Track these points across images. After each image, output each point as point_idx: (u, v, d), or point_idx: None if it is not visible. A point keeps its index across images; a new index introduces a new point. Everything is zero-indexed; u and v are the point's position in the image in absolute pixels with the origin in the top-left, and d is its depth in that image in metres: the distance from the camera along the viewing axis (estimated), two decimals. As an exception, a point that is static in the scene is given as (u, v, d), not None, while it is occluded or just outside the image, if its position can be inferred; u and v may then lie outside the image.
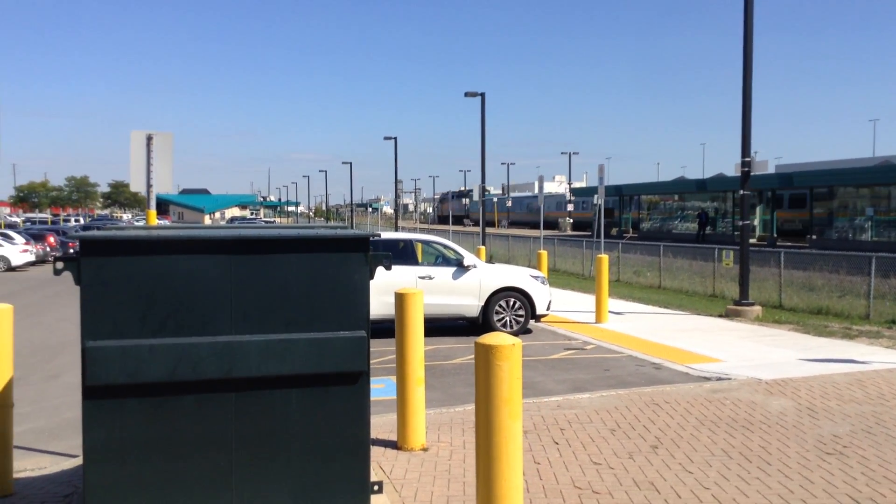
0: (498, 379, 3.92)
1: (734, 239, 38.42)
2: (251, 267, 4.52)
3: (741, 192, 15.92)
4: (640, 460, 6.18)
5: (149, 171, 6.99)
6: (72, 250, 36.30)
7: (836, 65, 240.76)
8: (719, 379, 9.48)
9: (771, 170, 34.01)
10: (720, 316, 15.60)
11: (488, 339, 3.99)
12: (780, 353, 11.26)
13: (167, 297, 4.37)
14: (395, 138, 53.17)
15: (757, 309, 15.48)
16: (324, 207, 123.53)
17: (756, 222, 44.29)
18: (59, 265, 4.29)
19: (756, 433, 6.94)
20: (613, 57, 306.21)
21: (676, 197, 53.72)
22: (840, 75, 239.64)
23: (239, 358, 4.43)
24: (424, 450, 6.52)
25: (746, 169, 15.61)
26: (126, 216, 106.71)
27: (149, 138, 7.00)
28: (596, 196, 18.95)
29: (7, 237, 31.35)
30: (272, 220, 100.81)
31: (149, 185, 7.03)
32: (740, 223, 16.14)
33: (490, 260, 26.41)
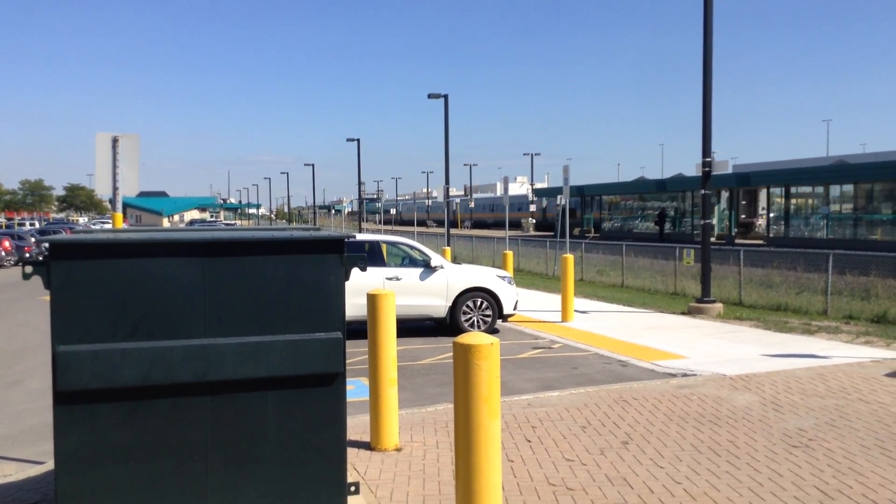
0: (477, 378, 3.94)
1: (693, 238, 39.04)
2: (225, 269, 4.47)
3: (702, 191, 16.18)
4: (611, 456, 6.26)
5: (115, 174, 6.87)
6: (27, 254, 35.51)
7: (790, 65, 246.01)
8: (685, 375, 9.63)
9: (729, 170, 34.66)
10: (683, 313, 15.83)
11: (467, 338, 4.01)
12: (742, 349, 11.47)
13: (139, 300, 4.31)
14: (358, 140, 52.98)
15: (718, 306, 15.75)
16: (285, 209, 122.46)
17: (714, 221, 45.08)
18: (29, 269, 4.21)
19: (723, 428, 7.07)
20: (574, 59, 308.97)
21: (637, 197, 54.40)
22: (794, 76, 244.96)
23: (214, 361, 4.38)
24: (398, 450, 6.51)
25: (707, 169, 15.88)
26: (82, 220, 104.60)
27: (115, 141, 6.88)
28: (560, 196, 19.10)
29: (-41, 242, 30.54)
30: (233, 222, 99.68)
31: (115, 188, 6.91)
32: (701, 222, 16.40)
33: (454, 260, 26.48)
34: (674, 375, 9.67)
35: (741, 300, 17.36)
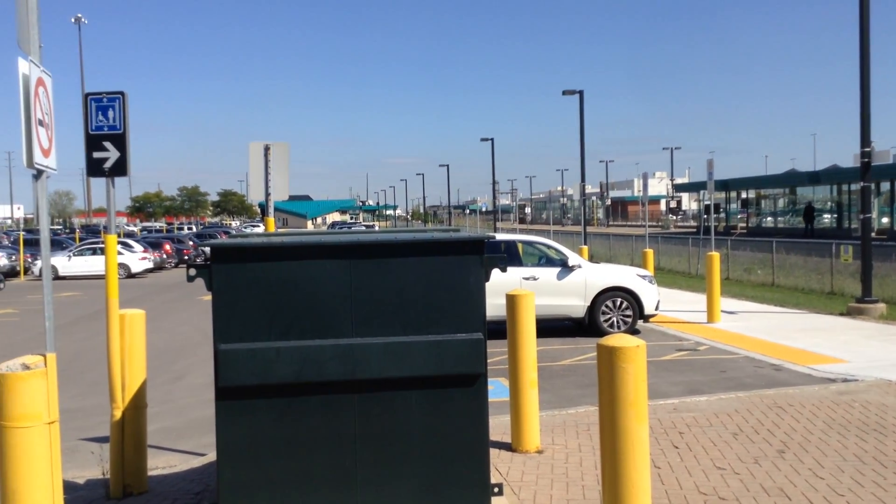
0: (623, 381, 3.84)
1: (851, 234, 36.52)
2: (370, 271, 4.60)
3: (861, 183, 15.11)
4: (766, 465, 5.94)
5: (267, 180, 7.25)
6: (186, 257, 38.00)
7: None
8: (845, 380, 9.02)
9: (891, 160, 32.03)
10: (841, 314, 14.85)
11: (611, 340, 3.92)
12: (910, 353, 10.61)
13: (292, 301, 4.50)
14: (492, 140, 53.08)
15: (881, 306, 14.65)
16: (421, 210, 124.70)
17: (874, 215, 41.98)
18: (192, 272, 4.48)
19: (890, 437, 6.56)
20: (716, 49, 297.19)
21: (787, 190, 51.50)
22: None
23: (361, 360, 4.51)
24: (539, 452, 6.47)
25: (867, 160, 14.81)
26: (235, 223, 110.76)
27: (266, 149, 7.26)
28: (703, 192, 18.38)
29: (127, 245, 33.01)
30: (371, 224, 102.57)
31: (267, 194, 7.29)
32: (860, 217, 15.33)
33: (591, 259, 26.05)
34: (833, 381, 9.08)
35: (907, 300, 16.07)
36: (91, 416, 8.77)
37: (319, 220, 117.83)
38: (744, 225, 54.21)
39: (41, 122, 4.10)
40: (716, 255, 14.76)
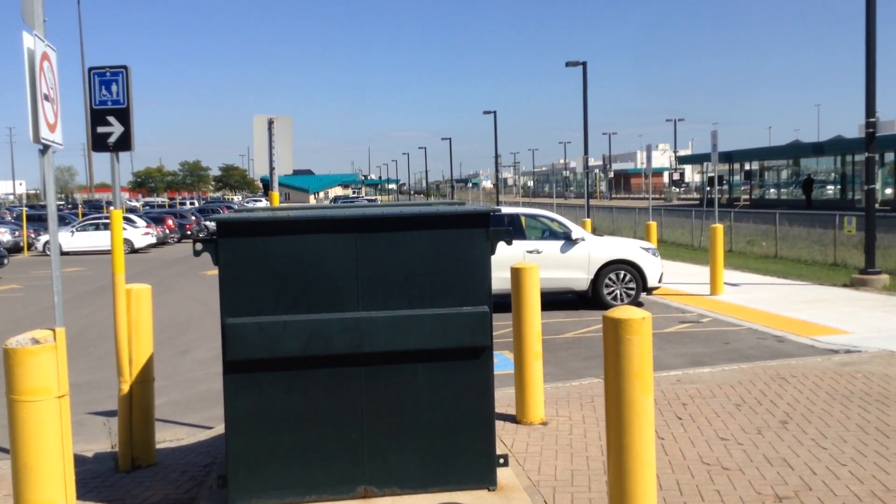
0: (628, 353, 3.86)
1: (855, 205, 36.43)
2: (376, 245, 4.61)
3: (866, 154, 15.04)
4: (769, 436, 5.99)
5: (271, 154, 7.23)
6: (189, 231, 38.02)
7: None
8: (848, 351, 9.05)
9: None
10: (844, 286, 14.87)
11: (617, 312, 3.93)
12: (913, 324, 10.63)
13: (298, 274, 4.52)
14: (495, 113, 52.76)
15: (884, 277, 14.66)
16: (423, 184, 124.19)
17: (878, 186, 41.79)
18: (199, 246, 4.50)
19: (892, 408, 6.61)
20: (719, 18, 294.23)
21: (791, 162, 51.26)
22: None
23: (367, 333, 4.54)
24: (544, 424, 6.52)
25: (871, 130, 14.73)
26: (237, 198, 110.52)
27: (270, 122, 7.24)
28: (707, 164, 18.34)
29: (130, 221, 32.95)
30: (374, 198, 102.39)
31: (271, 168, 7.28)
32: (864, 188, 15.29)
33: (594, 232, 26.00)
34: (836, 352, 9.12)
35: (910, 271, 16.07)
36: (99, 391, 8.84)
37: (322, 194, 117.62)
38: (747, 197, 54.07)
39: (47, 97, 4.10)
40: (719, 228, 14.75)
